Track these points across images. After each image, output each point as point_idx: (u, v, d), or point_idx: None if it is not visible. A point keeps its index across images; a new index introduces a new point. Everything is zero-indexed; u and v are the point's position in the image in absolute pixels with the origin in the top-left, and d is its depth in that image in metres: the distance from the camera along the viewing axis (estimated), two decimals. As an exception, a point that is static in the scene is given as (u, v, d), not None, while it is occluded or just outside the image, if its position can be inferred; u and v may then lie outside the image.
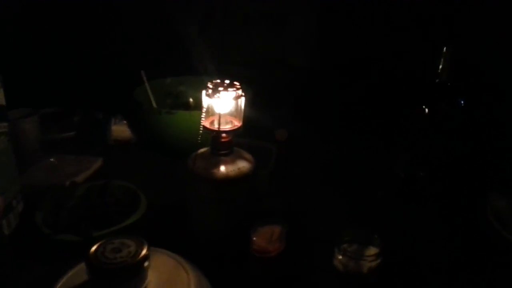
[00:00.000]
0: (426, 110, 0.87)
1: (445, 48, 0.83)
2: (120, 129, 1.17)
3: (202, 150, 0.77)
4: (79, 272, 0.65)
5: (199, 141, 0.74)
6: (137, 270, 0.59)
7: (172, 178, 1.00)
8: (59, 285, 0.63)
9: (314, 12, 1.35)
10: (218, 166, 0.73)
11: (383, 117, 1.09)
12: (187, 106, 1.23)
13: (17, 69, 1.09)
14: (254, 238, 0.69)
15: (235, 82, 0.74)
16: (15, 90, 0.85)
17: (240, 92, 0.72)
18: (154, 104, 1.14)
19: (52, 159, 1.01)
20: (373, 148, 1.08)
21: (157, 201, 0.88)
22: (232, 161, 0.74)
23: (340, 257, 0.71)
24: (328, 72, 1.31)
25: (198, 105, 1.24)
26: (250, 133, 0.80)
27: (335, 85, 1.24)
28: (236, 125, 0.74)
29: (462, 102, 0.86)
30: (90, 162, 1.03)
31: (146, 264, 0.60)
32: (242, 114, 0.74)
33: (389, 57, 1.12)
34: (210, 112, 0.74)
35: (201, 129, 0.73)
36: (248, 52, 1.40)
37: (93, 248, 0.60)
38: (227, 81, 0.74)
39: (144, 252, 0.60)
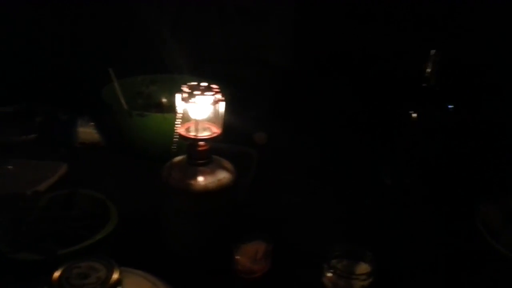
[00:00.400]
0: (413, 115, 0.83)
1: (432, 52, 0.80)
2: (87, 131, 1.09)
3: (177, 158, 0.71)
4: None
5: (174, 150, 0.67)
6: (107, 298, 0.53)
7: (144, 185, 0.93)
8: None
9: (292, 8, 1.30)
10: (195, 177, 0.67)
11: (369, 121, 1.05)
12: (159, 107, 1.16)
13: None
14: (238, 257, 0.64)
15: (213, 85, 0.67)
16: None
17: (219, 96, 0.66)
18: (124, 105, 1.07)
19: (10, 166, 0.92)
20: (359, 154, 1.04)
21: (128, 212, 0.81)
22: (211, 172, 0.68)
23: (330, 274, 0.67)
24: (308, 71, 1.27)
25: (171, 106, 1.17)
26: (226, 136, 0.74)
27: (316, 85, 1.20)
28: (215, 132, 0.68)
29: (450, 107, 0.83)
30: (53, 168, 0.95)
31: (117, 291, 0.54)
32: (221, 120, 0.68)
33: (374, 58, 1.08)
34: (185, 118, 0.68)
35: (176, 136, 0.67)
36: (223, 50, 1.34)
37: (57, 274, 0.53)
38: (204, 84, 0.67)
39: (115, 276, 0.53)
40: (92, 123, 1.10)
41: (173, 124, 0.93)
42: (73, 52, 1.23)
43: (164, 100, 1.17)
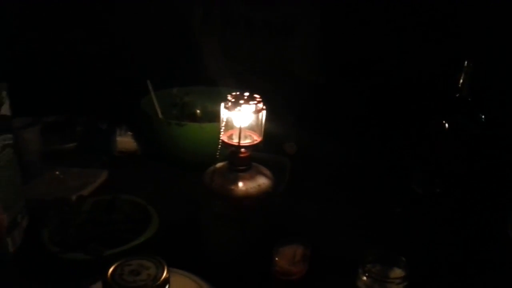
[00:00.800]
0: (446, 124, 0.85)
1: (466, 62, 0.81)
2: (125, 140, 1.13)
3: (219, 165, 0.74)
4: (92, 294, 0.62)
5: (218, 157, 0.70)
6: (158, 294, 0.56)
7: (182, 192, 0.98)
8: (71, 309, 0.59)
9: (317, 22, 1.33)
10: (236, 182, 0.70)
11: (400, 130, 1.07)
12: (193, 117, 1.20)
13: (17, 75, 1.05)
14: (277, 259, 0.66)
15: (256, 95, 0.71)
16: (15, 97, 0.81)
17: (261, 105, 0.70)
18: (160, 115, 1.11)
19: (57, 172, 0.97)
20: (390, 162, 1.06)
21: (168, 217, 0.84)
22: (251, 177, 0.71)
23: (364, 278, 0.68)
24: (335, 82, 1.29)
25: (204, 116, 1.21)
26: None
27: (345, 95, 1.22)
28: (256, 140, 0.71)
29: (483, 117, 0.84)
30: (95, 175, 1.00)
31: (167, 287, 0.57)
32: (262, 129, 0.71)
33: (406, 69, 1.10)
34: (229, 126, 0.71)
35: (220, 143, 0.70)
36: (251, 62, 1.37)
37: (110, 270, 0.57)
38: (246, 94, 0.71)
39: (164, 274, 0.56)
40: (130, 133, 1.14)
41: (209, 134, 0.98)
42: (113, 64, 1.28)
43: (198, 111, 1.21)
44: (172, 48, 1.29)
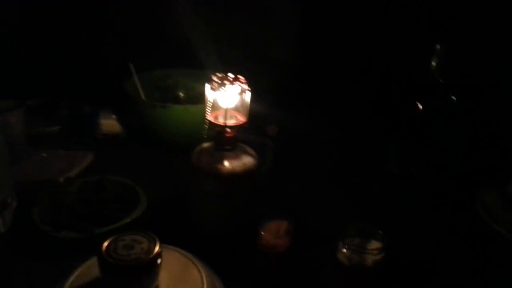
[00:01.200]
0: (420, 106, 0.90)
1: (438, 46, 0.86)
2: (109, 123, 1.14)
3: (205, 144, 0.77)
4: (86, 270, 0.64)
5: (205, 136, 0.73)
6: (151, 267, 0.59)
7: (167, 173, 1.00)
8: (68, 283, 0.62)
9: (295, 6, 1.35)
10: (222, 161, 0.74)
11: (376, 111, 1.12)
12: (176, 100, 1.21)
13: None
14: (262, 233, 0.70)
15: (240, 76, 0.73)
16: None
17: (245, 86, 0.73)
18: (143, 98, 1.13)
19: (44, 154, 0.98)
20: (368, 143, 1.11)
21: (155, 197, 0.87)
22: (237, 156, 0.75)
23: (345, 250, 0.73)
24: (313, 65, 1.32)
25: (187, 99, 1.23)
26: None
27: (321, 78, 1.26)
28: (242, 121, 0.74)
29: (454, 98, 0.89)
30: (81, 157, 1.01)
31: (159, 261, 0.60)
32: (247, 109, 0.74)
33: (381, 53, 1.14)
34: (214, 107, 0.74)
35: (207, 123, 0.73)
36: (231, 43, 1.38)
37: (105, 245, 0.59)
38: (231, 75, 0.73)
39: (157, 248, 0.60)
40: (113, 116, 1.16)
41: (193, 116, 1.00)
42: (95, 47, 1.28)
43: (181, 93, 1.23)
44: (154, 30, 1.30)
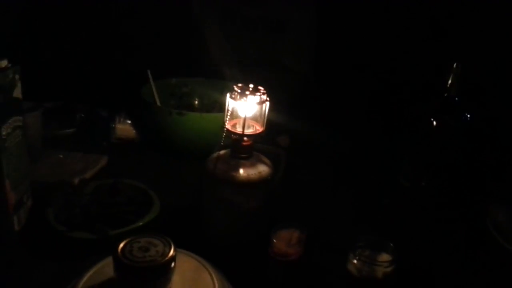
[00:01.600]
0: (434, 122, 0.90)
1: (454, 64, 0.87)
2: (124, 128, 1.16)
3: (221, 152, 0.78)
4: (100, 270, 0.65)
5: (222, 144, 0.74)
6: (165, 269, 0.60)
7: (180, 179, 1.01)
8: (81, 283, 0.62)
9: (309, 19, 1.37)
10: (238, 169, 0.74)
11: (390, 126, 1.12)
12: (191, 108, 1.24)
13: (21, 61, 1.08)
14: (275, 241, 0.70)
15: (260, 87, 0.75)
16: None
17: (264, 97, 0.74)
18: (159, 104, 1.14)
19: (60, 155, 0.99)
20: (380, 155, 1.11)
21: (167, 203, 0.88)
22: (252, 165, 0.76)
23: (355, 261, 0.73)
24: (327, 77, 1.34)
25: (201, 107, 1.25)
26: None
27: (336, 92, 1.27)
28: (259, 130, 0.75)
29: (468, 116, 0.90)
30: (95, 160, 1.03)
31: (173, 264, 0.60)
32: (265, 119, 0.75)
33: (398, 68, 1.15)
34: (233, 115, 0.75)
35: (225, 131, 0.74)
36: (247, 55, 1.40)
37: (121, 246, 0.60)
38: (251, 85, 0.75)
39: (172, 251, 0.60)
40: (129, 121, 1.17)
41: (209, 124, 1.02)
42: (115, 54, 1.31)
43: (196, 102, 1.25)
44: (173, 40, 1.32)
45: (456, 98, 0.88)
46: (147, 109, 1.11)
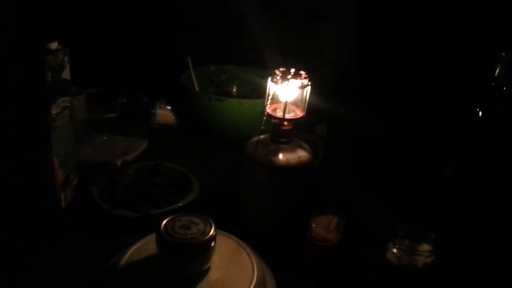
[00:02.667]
0: (480, 113, 0.88)
1: (504, 53, 0.84)
2: (164, 113, 1.18)
3: (261, 136, 0.78)
4: (141, 247, 0.67)
5: (262, 128, 0.75)
6: (206, 248, 0.61)
7: (219, 164, 1.02)
8: (124, 258, 0.65)
9: (349, 9, 1.35)
10: (278, 153, 0.75)
11: (434, 116, 1.10)
12: (228, 95, 1.25)
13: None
14: (313, 225, 0.71)
15: (302, 71, 0.75)
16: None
17: (306, 81, 0.74)
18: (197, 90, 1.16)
19: (105, 137, 1.02)
20: (422, 146, 1.09)
21: (206, 187, 0.89)
22: (292, 150, 0.76)
23: (395, 250, 0.72)
24: (370, 67, 1.32)
25: (239, 95, 1.26)
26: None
27: (377, 81, 1.25)
28: (299, 115, 0.75)
29: (517, 108, 0.87)
30: (137, 143, 1.05)
31: (213, 243, 0.62)
32: (305, 104, 0.75)
33: (442, 56, 1.12)
34: (274, 100, 0.75)
35: (266, 115, 0.74)
36: (286, 44, 1.40)
37: (164, 223, 0.62)
38: (292, 70, 0.75)
39: (212, 230, 0.61)
40: (168, 107, 1.20)
41: (247, 110, 1.02)
42: (158, 42, 1.33)
43: (234, 89, 1.26)
44: (212, 28, 1.34)
45: (504, 88, 0.85)
46: (186, 95, 1.12)
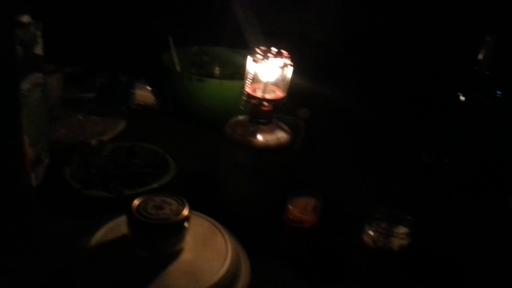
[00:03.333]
0: (462, 97, 0.87)
1: (488, 38, 0.83)
2: (144, 94, 1.15)
3: (240, 117, 0.76)
4: (113, 227, 0.65)
5: (241, 108, 0.73)
6: (179, 228, 0.59)
7: (198, 146, 1.01)
8: (95, 239, 0.63)
9: None
10: (257, 134, 0.73)
11: (416, 98, 1.09)
12: (211, 77, 1.22)
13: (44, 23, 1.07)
14: (290, 207, 0.69)
15: (283, 51, 0.73)
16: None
17: (288, 61, 0.72)
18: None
19: (80, 117, 1.00)
20: (402, 129, 1.09)
21: (184, 169, 0.88)
22: (271, 131, 0.74)
23: (371, 232, 0.72)
24: (349, 49, 1.30)
25: (221, 77, 1.23)
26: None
27: (361, 64, 1.23)
28: (280, 96, 0.73)
29: (499, 93, 0.86)
30: (114, 124, 1.03)
31: (187, 223, 0.60)
32: (287, 85, 0.73)
33: (426, 40, 1.10)
34: (254, 80, 0.73)
35: (245, 95, 0.72)
36: (270, 26, 1.37)
37: (135, 203, 0.60)
38: (274, 49, 0.73)
39: (186, 211, 0.60)
40: (148, 87, 1.17)
41: (228, 91, 1.00)
42: (138, 21, 1.30)
43: (216, 70, 1.23)
44: (195, 8, 1.30)
45: (487, 72, 0.84)
46: (167, 75, 1.10)
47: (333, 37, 1.34)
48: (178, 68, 1.14)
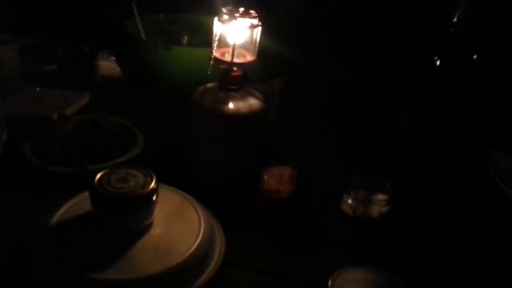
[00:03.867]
0: (437, 61, 0.85)
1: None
2: (108, 65, 1.09)
3: (209, 84, 0.72)
4: (76, 204, 0.61)
5: (209, 74, 0.68)
6: (146, 202, 0.56)
7: (167, 118, 0.96)
8: (56, 216, 0.58)
9: None
10: (227, 101, 0.69)
11: (391, 64, 1.06)
12: (179, 45, 1.16)
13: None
14: (265, 177, 0.66)
15: (251, 10, 0.68)
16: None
17: (256, 21, 0.67)
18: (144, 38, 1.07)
19: (38, 89, 0.93)
20: (378, 96, 1.06)
21: (153, 141, 0.83)
22: (242, 98, 0.70)
23: (350, 201, 0.70)
24: (327, 20, 1.26)
25: (190, 45, 1.18)
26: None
27: (334, 31, 1.20)
28: (249, 59, 0.69)
29: (475, 56, 0.84)
30: (77, 97, 0.97)
31: (154, 196, 0.56)
32: (256, 47, 0.69)
33: (400, 3, 1.07)
34: (222, 43, 0.69)
35: (212, 60, 0.68)
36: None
37: (98, 176, 0.56)
38: (241, 9, 0.68)
39: (153, 183, 0.56)
40: (113, 58, 1.10)
41: (197, 59, 0.95)
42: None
43: (185, 39, 1.17)
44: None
45: (463, 33, 0.81)
46: (131, 44, 1.03)
47: (304, 4, 1.29)
48: (143, 36, 1.08)
